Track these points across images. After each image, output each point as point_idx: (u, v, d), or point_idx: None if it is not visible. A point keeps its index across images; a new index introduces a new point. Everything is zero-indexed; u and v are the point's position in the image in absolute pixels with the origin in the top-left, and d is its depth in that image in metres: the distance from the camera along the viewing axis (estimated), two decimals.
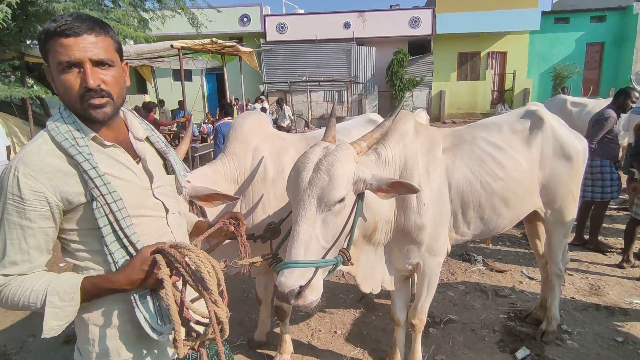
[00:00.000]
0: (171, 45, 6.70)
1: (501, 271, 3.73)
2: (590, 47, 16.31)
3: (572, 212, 2.38)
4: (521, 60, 16.61)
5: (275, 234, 1.73)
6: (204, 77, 11.55)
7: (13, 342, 2.75)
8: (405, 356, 2.35)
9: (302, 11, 17.35)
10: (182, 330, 0.96)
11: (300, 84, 14.09)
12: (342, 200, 1.35)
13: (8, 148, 4.79)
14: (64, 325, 0.96)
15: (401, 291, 2.22)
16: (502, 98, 16.42)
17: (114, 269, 1.00)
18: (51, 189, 0.95)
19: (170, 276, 0.94)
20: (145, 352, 1.06)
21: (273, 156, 1.97)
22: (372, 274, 1.86)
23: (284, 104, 11.86)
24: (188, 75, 13.39)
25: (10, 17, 5.37)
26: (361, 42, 15.93)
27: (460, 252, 4.11)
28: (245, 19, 15.87)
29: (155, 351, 1.08)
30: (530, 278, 3.59)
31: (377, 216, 1.67)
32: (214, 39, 7.49)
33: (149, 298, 1.03)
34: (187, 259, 0.94)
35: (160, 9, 8.62)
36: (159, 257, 0.94)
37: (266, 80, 15.38)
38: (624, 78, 15.29)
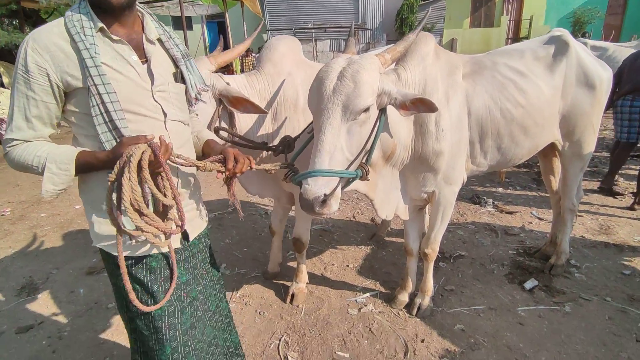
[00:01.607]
0: None
1: (511, 213, 3.75)
2: None
3: (591, 144, 2.33)
4: (539, 4, 15.64)
5: (290, 147, 1.73)
6: (204, 25, 11.09)
7: (39, 273, 2.87)
8: (417, 286, 2.43)
9: None
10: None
11: (305, 31, 13.49)
12: (367, 109, 1.32)
13: None
14: (58, 190, 1.06)
15: (415, 222, 2.24)
16: None
17: None
18: (53, 66, 1.02)
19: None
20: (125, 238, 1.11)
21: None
22: (388, 199, 1.87)
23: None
24: (188, 23, 12.83)
25: None
26: None
27: (470, 195, 4.12)
28: None
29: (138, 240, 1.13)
30: (540, 219, 3.61)
31: (396, 139, 1.64)
32: None
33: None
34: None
35: None
36: (126, 150, 0.98)
37: (269, 28, 14.74)
38: None
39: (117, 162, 0.98)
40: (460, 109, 1.85)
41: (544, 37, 2.23)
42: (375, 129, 1.38)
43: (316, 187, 1.26)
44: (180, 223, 1.11)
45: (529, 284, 2.56)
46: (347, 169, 1.34)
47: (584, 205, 3.82)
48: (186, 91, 1.24)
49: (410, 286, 2.40)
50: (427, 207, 2.55)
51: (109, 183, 0.99)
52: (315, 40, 13.82)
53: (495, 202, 3.99)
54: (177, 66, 1.21)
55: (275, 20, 14.97)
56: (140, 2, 8.57)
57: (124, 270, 1.04)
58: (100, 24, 1.06)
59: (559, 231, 2.76)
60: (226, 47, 11.53)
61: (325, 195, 1.27)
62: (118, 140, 1.06)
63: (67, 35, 1.03)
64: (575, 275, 2.68)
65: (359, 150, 1.36)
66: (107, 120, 1.05)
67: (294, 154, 1.62)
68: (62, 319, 2.40)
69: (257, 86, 1.88)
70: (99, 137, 1.06)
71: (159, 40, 1.19)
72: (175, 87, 1.20)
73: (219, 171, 1.17)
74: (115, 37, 1.08)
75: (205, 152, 1.32)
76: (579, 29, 14.80)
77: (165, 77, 1.17)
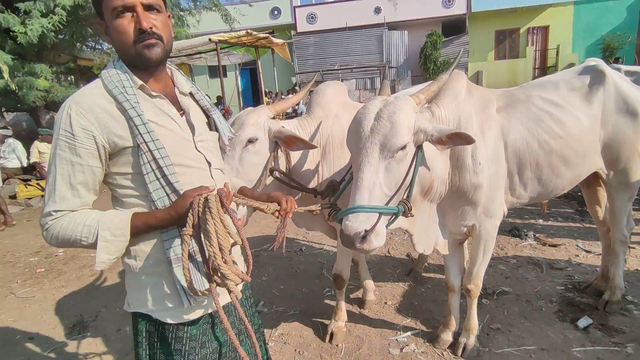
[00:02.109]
0: (209, 39, 6.93)
1: (555, 245, 3.59)
2: None
3: (638, 172, 2.24)
4: (565, 33, 15.61)
5: (335, 191, 1.80)
6: (238, 73, 11.81)
7: (89, 312, 3.00)
8: (460, 324, 2.34)
9: (331, 0, 17.21)
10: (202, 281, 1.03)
11: (332, 72, 14.04)
12: (404, 147, 1.37)
13: None
14: (113, 259, 1.02)
15: (455, 256, 2.20)
16: (545, 75, 15.55)
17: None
18: (99, 128, 1.00)
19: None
20: (185, 300, 1.08)
21: None
22: (426, 234, 1.86)
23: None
24: (224, 71, 13.73)
25: (65, 21, 5.75)
26: (393, 26, 15.61)
27: (509, 228, 3.99)
28: (275, 12, 16.01)
29: (198, 300, 1.10)
30: (587, 251, 3.43)
31: (433, 173, 1.67)
32: (248, 31, 7.65)
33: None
34: (207, 213, 0.96)
35: (195, 8, 8.90)
36: (195, 201, 0.97)
37: (298, 71, 15.46)
38: None
39: (190, 215, 0.97)
40: (496, 141, 1.87)
41: (577, 67, 2.24)
42: (413, 165, 1.43)
43: (356, 223, 1.30)
44: (246, 269, 1.08)
45: (583, 322, 2.40)
46: (386, 204, 1.37)
47: (636, 236, 3.60)
48: (218, 139, 1.27)
49: (453, 324, 2.31)
50: (467, 241, 2.50)
51: (186, 237, 0.96)
52: (342, 80, 14.29)
53: (537, 235, 3.84)
54: (207, 116, 1.25)
55: (304, 63, 15.72)
56: (182, 55, 9.35)
57: (228, 327, 0.99)
58: (140, 82, 1.07)
59: (611, 264, 2.60)
60: (258, 90, 12.14)
61: (365, 231, 1.30)
62: (170, 196, 1.05)
63: (108, 95, 1.04)
64: (634, 313, 2.49)
65: (398, 186, 1.40)
66: (159, 176, 1.03)
67: (336, 195, 1.69)
68: (109, 357, 2.47)
69: (307, 129, 2.00)
70: (150, 195, 1.04)
71: (190, 93, 1.22)
72: (212, 136, 1.23)
73: (277, 210, 1.19)
74: (154, 93, 1.10)
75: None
76: (609, 55, 14.54)
77: (202, 127, 1.20)
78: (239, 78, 13.11)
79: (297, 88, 13.88)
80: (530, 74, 15.70)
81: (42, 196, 6.88)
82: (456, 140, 1.43)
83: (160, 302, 1.08)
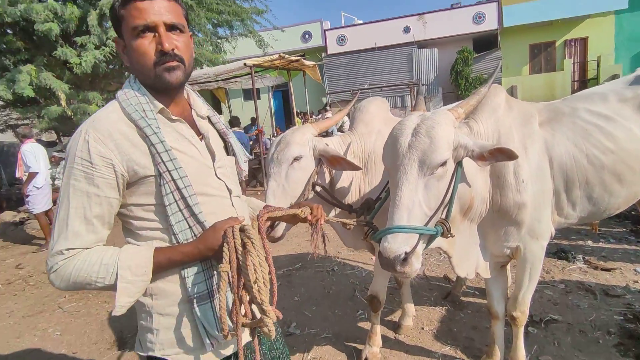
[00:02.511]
0: (244, 64, 7.18)
1: (608, 269, 3.30)
2: None
3: None
4: (606, 44, 14.93)
5: (370, 209, 1.76)
6: (271, 95, 12.15)
7: (128, 328, 3.06)
8: (505, 354, 2.17)
9: (360, 21, 17.49)
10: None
11: (362, 91, 14.11)
12: (444, 163, 1.32)
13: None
14: (133, 301, 0.93)
15: (498, 280, 2.06)
16: (586, 88, 14.81)
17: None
18: (119, 156, 0.93)
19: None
20: (208, 342, 1.00)
21: None
22: (466, 256, 1.76)
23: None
24: (257, 93, 14.19)
25: (115, 52, 6.18)
26: (422, 44, 15.58)
27: (555, 250, 3.73)
28: (307, 36, 16.45)
29: (220, 342, 1.02)
30: None
31: (473, 191, 1.59)
32: (281, 54, 7.89)
33: (208, 302, 0.99)
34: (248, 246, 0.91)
35: (231, 35, 9.31)
36: (229, 233, 0.92)
37: (329, 92, 15.68)
38: None
39: (225, 249, 0.91)
40: (540, 158, 1.77)
41: (628, 77, 2.10)
42: (453, 182, 1.36)
43: (396, 244, 1.24)
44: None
45: None
46: (426, 225, 1.31)
47: None
48: (235, 163, 1.21)
49: (497, 355, 2.15)
50: (509, 263, 2.35)
51: (224, 274, 0.90)
52: None
53: (586, 257, 3.56)
54: (224, 140, 1.19)
55: (334, 83, 15.94)
56: (219, 80, 9.75)
57: None
58: (160, 105, 1.01)
59: None
60: (290, 111, 12.38)
61: (405, 253, 1.23)
62: (193, 228, 0.98)
63: (127, 120, 0.96)
64: None
65: (438, 204, 1.34)
66: (182, 207, 0.96)
67: (372, 212, 1.64)
68: None
69: (352, 146, 2.00)
70: (172, 228, 0.96)
71: (207, 115, 1.17)
72: (230, 161, 1.17)
73: (310, 215, 1.16)
74: (174, 117, 1.04)
75: None
76: None
77: (221, 152, 1.14)
78: (271, 100, 13.48)
79: (327, 108, 14.03)
80: (569, 87, 15.05)
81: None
82: (498, 156, 1.36)
83: (179, 345, 0.99)
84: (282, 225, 1.59)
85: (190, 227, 0.98)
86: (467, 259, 1.77)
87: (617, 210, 1.99)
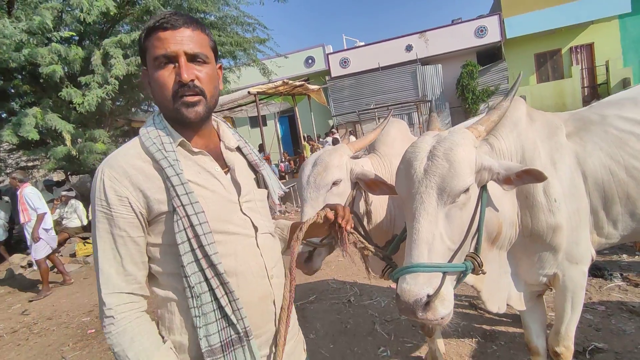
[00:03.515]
0: (248, 92, 7.22)
1: None
2: None
3: None
4: (613, 48, 14.72)
5: (396, 248, 1.57)
6: (277, 120, 12.21)
7: None
8: None
9: (362, 43, 17.70)
10: None
11: (369, 112, 14.09)
12: (467, 190, 1.14)
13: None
14: None
15: (535, 311, 1.84)
16: (596, 93, 14.61)
17: (189, 296, 0.89)
18: (134, 193, 0.90)
19: None
20: None
21: None
22: (497, 288, 1.56)
23: (340, 137, 11.89)
24: (263, 120, 14.30)
25: (118, 90, 6.26)
26: (425, 61, 15.61)
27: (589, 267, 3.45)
28: (310, 61, 16.67)
29: None
30: None
31: (501, 216, 1.41)
32: (285, 80, 7.93)
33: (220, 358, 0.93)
34: None
35: (235, 65, 9.45)
36: None
37: (335, 114, 15.71)
38: None
39: None
40: (572, 173, 1.58)
41: None
42: (479, 209, 1.19)
43: (416, 286, 1.05)
44: None
45: None
46: (450, 261, 1.13)
47: None
48: (268, 197, 1.15)
49: None
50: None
51: None
52: (379, 118, 14.28)
53: (624, 274, 3.27)
54: (255, 172, 1.13)
55: (340, 105, 15.99)
56: (224, 109, 9.85)
57: None
58: (180, 138, 0.98)
59: None
60: (296, 136, 12.37)
61: (427, 295, 1.05)
62: (206, 271, 0.90)
63: (145, 155, 0.94)
64: None
65: (462, 236, 1.16)
66: (195, 247, 0.89)
67: (391, 247, 1.45)
68: None
69: (379, 168, 1.88)
70: (183, 269, 0.89)
71: (237, 147, 1.12)
72: (260, 194, 1.10)
73: (329, 215, 1.07)
74: (195, 149, 0.99)
75: (294, 233, 1.22)
76: None
77: (249, 185, 1.07)
78: (277, 126, 13.53)
79: (334, 130, 14.01)
80: (579, 94, 14.78)
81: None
82: (525, 178, 1.19)
83: None
84: (319, 256, 1.45)
85: (203, 269, 0.90)
86: (498, 291, 1.56)
87: None
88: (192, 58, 0.95)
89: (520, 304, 1.68)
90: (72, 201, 7.58)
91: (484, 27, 14.81)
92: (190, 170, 0.96)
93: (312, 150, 11.96)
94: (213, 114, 1.08)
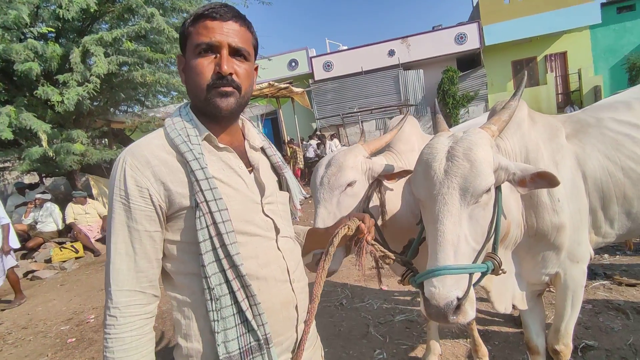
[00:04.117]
0: None
1: (633, 285, 3.12)
2: None
3: None
4: (585, 57, 15.38)
5: (414, 252, 1.55)
6: (261, 123, 12.11)
7: None
8: None
9: (345, 47, 17.81)
10: None
11: (352, 115, 14.17)
12: (489, 189, 1.14)
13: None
14: None
15: (535, 311, 1.86)
16: (570, 100, 15.19)
17: (208, 299, 0.84)
18: (156, 185, 0.86)
19: None
20: None
21: None
22: (504, 288, 1.57)
23: (327, 140, 11.89)
24: None
25: (98, 90, 6.04)
26: (407, 66, 15.85)
27: None
28: (293, 64, 16.64)
29: None
30: None
31: (509, 216, 1.42)
32: (270, 82, 7.87)
33: None
34: None
35: None
36: None
37: (318, 117, 15.73)
38: None
39: None
40: (573, 174, 1.61)
41: None
42: (496, 210, 1.19)
43: (445, 289, 1.03)
44: None
45: None
46: (474, 262, 1.12)
47: None
48: (289, 201, 1.12)
49: None
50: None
51: None
52: (362, 122, 14.39)
53: (607, 273, 3.39)
54: (278, 174, 1.11)
55: (323, 109, 16.02)
56: None
57: None
58: (207, 132, 0.94)
59: None
60: (280, 139, 12.29)
61: (458, 298, 1.03)
62: (227, 272, 0.86)
63: (169, 147, 0.90)
64: None
65: (484, 237, 1.15)
66: (217, 245, 0.85)
67: (410, 251, 1.43)
68: None
69: (396, 164, 1.86)
70: (203, 269, 0.84)
71: (262, 147, 1.09)
72: (282, 197, 1.07)
73: (361, 227, 1.05)
74: (221, 145, 0.96)
75: (313, 240, 1.19)
76: (636, 74, 14.12)
77: (272, 186, 1.05)
78: (261, 128, 13.43)
79: (318, 133, 14.01)
80: (554, 100, 15.34)
81: (77, 258, 6.93)
82: (538, 182, 1.20)
83: None
84: (337, 258, 1.41)
85: (224, 270, 0.86)
86: (506, 291, 1.58)
87: None
88: (235, 52, 0.93)
89: (523, 304, 1.70)
90: (48, 204, 7.26)
91: (464, 34, 15.18)
92: (214, 165, 0.93)
93: (292, 154, 11.88)
94: None
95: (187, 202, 0.87)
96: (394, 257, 1.24)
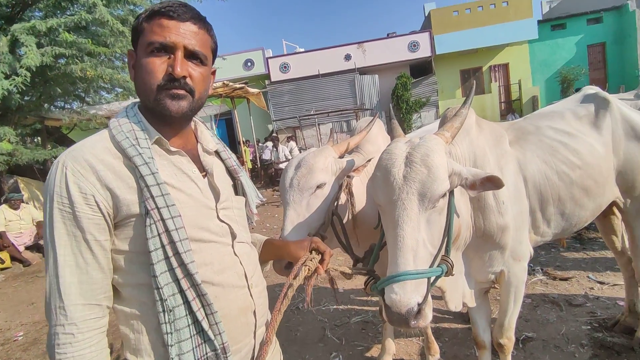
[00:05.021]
0: None
1: (565, 279, 3.41)
2: (591, 49, 16.31)
3: None
4: (524, 69, 16.65)
5: (375, 258, 1.56)
6: (214, 123, 11.77)
7: None
8: None
9: (302, 50, 17.85)
10: None
11: (309, 118, 14.22)
12: (445, 194, 1.18)
13: None
14: None
15: (482, 308, 1.96)
16: (511, 108, 16.33)
17: (160, 310, 0.80)
18: (102, 191, 0.80)
19: None
20: None
21: None
22: (456, 287, 1.64)
23: (285, 142, 11.84)
24: None
25: (30, 83, 5.52)
26: (363, 71, 16.21)
27: None
28: (249, 64, 16.38)
29: None
30: (600, 283, 3.26)
31: (460, 219, 1.48)
32: (225, 82, 7.66)
33: None
34: None
35: None
36: None
37: (275, 119, 15.62)
38: (631, 74, 15.15)
39: None
40: (515, 177, 1.72)
41: (576, 96, 2.19)
42: (450, 213, 1.23)
43: (406, 295, 1.04)
44: None
45: None
46: (430, 265, 1.14)
47: None
48: (245, 205, 1.09)
49: None
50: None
51: None
52: (319, 124, 14.48)
53: (544, 269, 3.67)
54: (234, 178, 1.07)
55: (280, 111, 15.91)
56: None
57: None
58: (157, 135, 0.90)
59: (637, 298, 2.43)
60: (235, 140, 11.97)
61: (418, 304, 1.05)
62: (181, 281, 0.81)
63: (115, 149, 0.85)
64: None
65: (440, 241, 1.19)
66: (170, 254, 0.81)
67: (372, 258, 1.44)
68: None
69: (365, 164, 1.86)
70: (155, 280, 0.79)
71: (216, 151, 1.05)
72: (238, 202, 1.04)
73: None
74: (173, 149, 0.92)
75: (269, 252, 1.16)
76: (567, 86, 15.50)
77: (227, 191, 1.01)
78: (215, 129, 13.05)
79: (274, 135, 13.90)
80: (498, 108, 16.45)
81: (2, 269, 6.27)
82: (486, 185, 1.26)
83: None
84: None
85: (178, 279, 0.81)
86: (456, 290, 1.64)
87: (585, 223, 2.00)
88: (191, 55, 0.89)
89: (472, 301, 1.78)
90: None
91: (417, 42, 15.82)
92: (165, 170, 0.88)
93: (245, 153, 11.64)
94: None
95: (136, 209, 0.82)
96: (350, 272, 1.25)
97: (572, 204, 1.84)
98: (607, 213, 2.38)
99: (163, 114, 0.88)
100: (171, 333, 0.80)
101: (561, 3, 18.71)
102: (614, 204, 2.14)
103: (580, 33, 16.12)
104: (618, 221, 2.42)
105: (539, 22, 15.85)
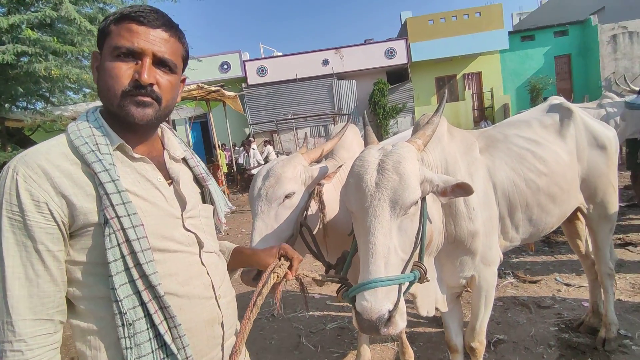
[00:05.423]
0: None
1: (535, 282, 3.52)
2: (558, 60, 17.09)
3: (614, 204, 2.24)
4: (496, 78, 17.25)
5: (347, 265, 1.54)
6: (188, 126, 11.55)
7: None
8: None
9: (280, 53, 17.83)
10: None
11: (286, 122, 14.19)
12: (416, 201, 1.18)
13: None
14: None
15: (454, 312, 1.99)
16: (484, 115, 16.86)
17: (119, 324, 0.76)
18: (56, 198, 0.76)
19: None
20: None
21: None
22: (427, 293, 1.65)
23: (256, 147, 11.78)
24: (172, 125, 13.37)
25: None
26: (341, 76, 16.34)
27: None
28: (225, 66, 16.21)
29: None
30: (567, 285, 3.39)
31: (433, 225, 1.49)
32: (199, 84, 7.52)
33: None
34: None
35: None
36: None
37: (251, 122, 15.49)
38: (594, 85, 15.97)
39: None
40: (485, 184, 1.76)
41: (542, 106, 2.27)
42: (422, 220, 1.24)
43: (377, 302, 1.04)
44: None
45: None
46: (402, 272, 1.15)
47: None
48: (213, 214, 1.06)
49: None
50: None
51: None
52: (296, 129, 14.47)
53: (514, 272, 3.77)
54: (201, 186, 1.04)
55: (256, 114, 15.80)
56: None
57: None
58: (120, 141, 0.86)
59: (600, 300, 2.54)
60: (211, 144, 11.77)
61: (389, 311, 1.05)
62: (142, 294, 0.78)
63: (73, 155, 0.80)
64: (633, 349, 2.39)
65: (412, 247, 1.20)
66: (130, 265, 0.77)
67: (345, 266, 1.43)
68: None
69: (340, 172, 1.85)
70: (114, 292, 0.76)
71: (183, 158, 1.02)
72: (205, 210, 1.01)
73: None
74: (136, 155, 0.88)
75: (238, 260, 1.14)
76: (536, 95, 16.16)
77: (194, 199, 0.97)
78: (188, 132, 12.81)
79: (251, 139, 13.77)
80: (471, 115, 16.96)
81: None
82: (457, 191, 1.28)
83: None
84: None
85: (139, 291, 0.78)
86: (428, 296, 1.66)
87: (552, 228, 2.07)
88: (160, 62, 0.87)
89: (444, 306, 1.80)
90: None
91: (393, 49, 16.11)
92: (127, 178, 0.84)
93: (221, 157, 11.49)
94: None
95: (94, 218, 0.78)
96: (321, 279, 1.24)
97: (539, 210, 1.90)
98: (572, 218, 2.48)
99: (127, 120, 0.85)
100: (131, 348, 0.77)
101: (530, 15, 19.59)
102: (578, 209, 2.23)
103: (548, 44, 16.88)
104: (582, 226, 2.52)
105: (510, 33, 16.50)
